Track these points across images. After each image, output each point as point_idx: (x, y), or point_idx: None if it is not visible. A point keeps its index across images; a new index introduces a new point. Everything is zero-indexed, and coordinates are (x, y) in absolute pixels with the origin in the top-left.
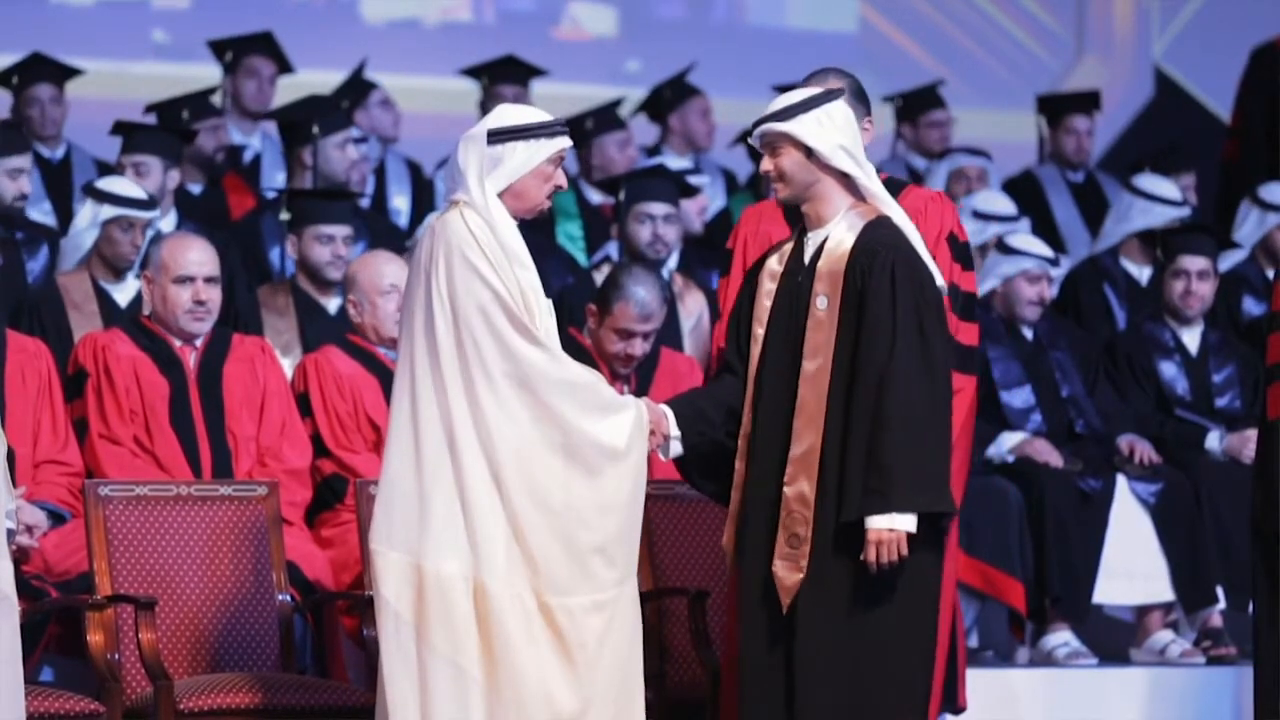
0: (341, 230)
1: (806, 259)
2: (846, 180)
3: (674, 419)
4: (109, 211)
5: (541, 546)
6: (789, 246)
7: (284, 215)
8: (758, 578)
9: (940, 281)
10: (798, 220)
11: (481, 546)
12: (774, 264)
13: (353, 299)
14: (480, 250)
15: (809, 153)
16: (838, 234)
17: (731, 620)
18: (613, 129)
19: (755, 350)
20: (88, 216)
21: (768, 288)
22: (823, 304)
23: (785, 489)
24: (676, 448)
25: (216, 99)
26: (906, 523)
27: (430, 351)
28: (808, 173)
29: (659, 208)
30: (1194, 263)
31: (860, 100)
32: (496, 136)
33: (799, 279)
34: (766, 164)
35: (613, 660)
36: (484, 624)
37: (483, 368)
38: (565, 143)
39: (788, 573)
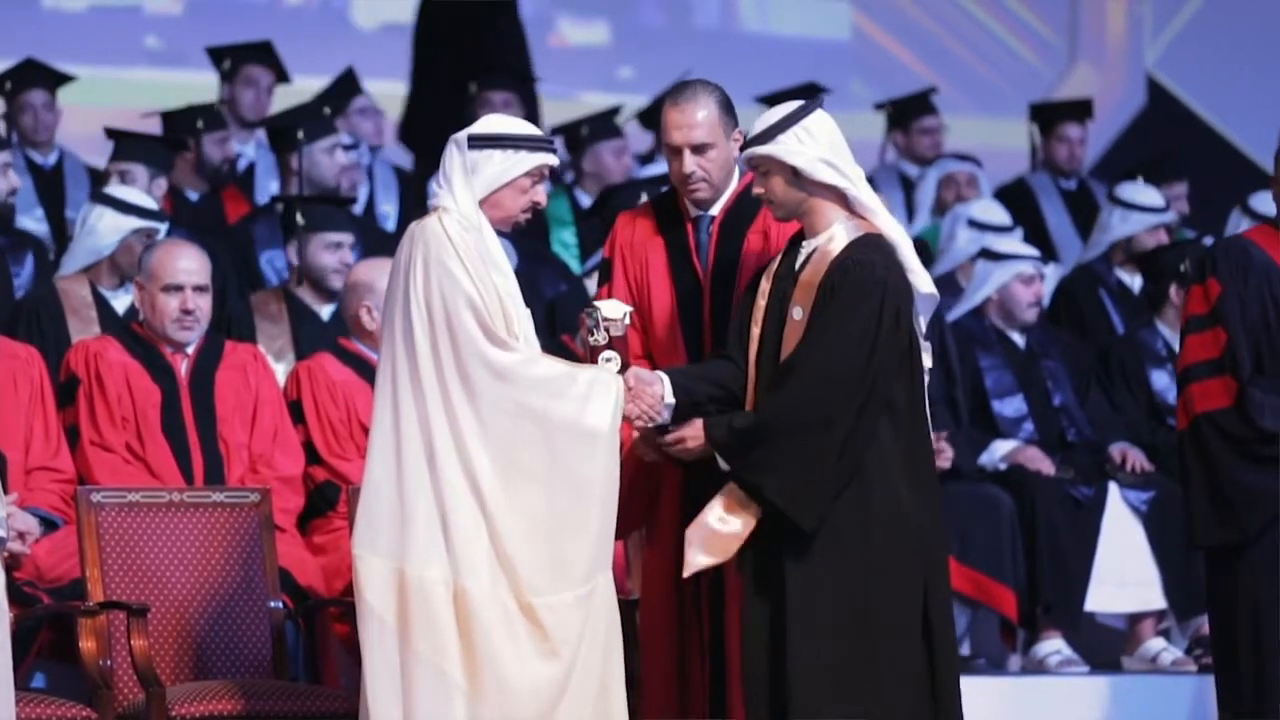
0: (348, 238)
1: (797, 266)
2: (837, 192)
3: (669, 384)
4: (134, 223)
5: (520, 548)
6: (787, 252)
7: (288, 219)
8: (756, 569)
9: (928, 289)
10: (671, 224)
11: (462, 551)
12: (775, 265)
13: (368, 305)
14: (457, 256)
15: (794, 171)
16: (824, 248)
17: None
18: (608, 137)
19: (753, 349)
20: (110, 225)
21: (764, 288)
22: (798, 314)
23: None
24: (665, 415)
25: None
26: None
27: (409, 356)
28: (795, 191)
29: None
30: None
31: (728, 113)
32: (477, 142)
33: (786, 285)
34: (758, 186)
35: (590, 650)
36: (465, 628)
37: (458, 372)
38: (547, 159)
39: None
